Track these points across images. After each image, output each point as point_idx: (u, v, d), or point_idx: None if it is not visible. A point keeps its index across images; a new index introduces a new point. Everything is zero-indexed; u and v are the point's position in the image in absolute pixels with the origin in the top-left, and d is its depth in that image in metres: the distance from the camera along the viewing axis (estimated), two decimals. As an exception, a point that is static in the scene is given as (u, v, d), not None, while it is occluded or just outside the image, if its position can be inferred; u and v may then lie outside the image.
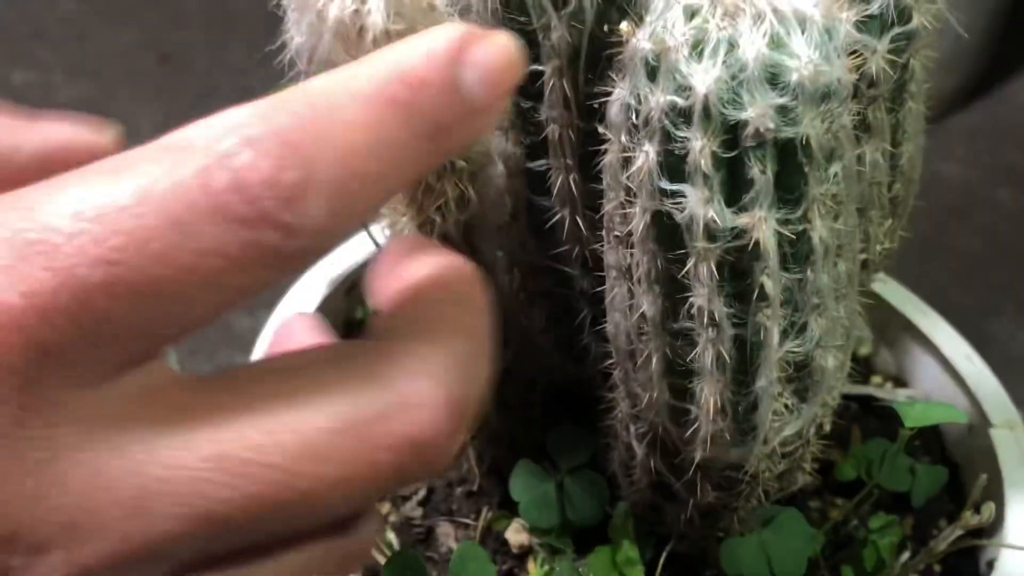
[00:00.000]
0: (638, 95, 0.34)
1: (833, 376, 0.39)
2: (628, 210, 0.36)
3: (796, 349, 0.37)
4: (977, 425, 0.57)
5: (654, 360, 0.38)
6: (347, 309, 0.62)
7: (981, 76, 1.14)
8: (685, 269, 0.35)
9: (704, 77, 0.32)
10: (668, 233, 0.35)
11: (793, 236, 0.34)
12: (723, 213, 0.34)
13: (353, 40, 0.34)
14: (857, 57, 0.34)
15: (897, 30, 0.39)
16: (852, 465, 0.56)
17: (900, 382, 0.62)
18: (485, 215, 0.41)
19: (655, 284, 0.37)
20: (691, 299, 0.36)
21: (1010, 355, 0.95)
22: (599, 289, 0.41)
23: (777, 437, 0.39)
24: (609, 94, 0.36)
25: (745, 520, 0.45)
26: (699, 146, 0.33)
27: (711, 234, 0.34)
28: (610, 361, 0.42)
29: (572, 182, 0.40)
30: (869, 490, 0.55)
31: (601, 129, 0.37)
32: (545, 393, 0.50)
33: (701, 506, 0.44)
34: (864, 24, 0.38)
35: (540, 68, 0.38)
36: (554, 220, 0.41)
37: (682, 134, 0.33)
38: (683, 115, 0.33)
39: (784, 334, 0.36)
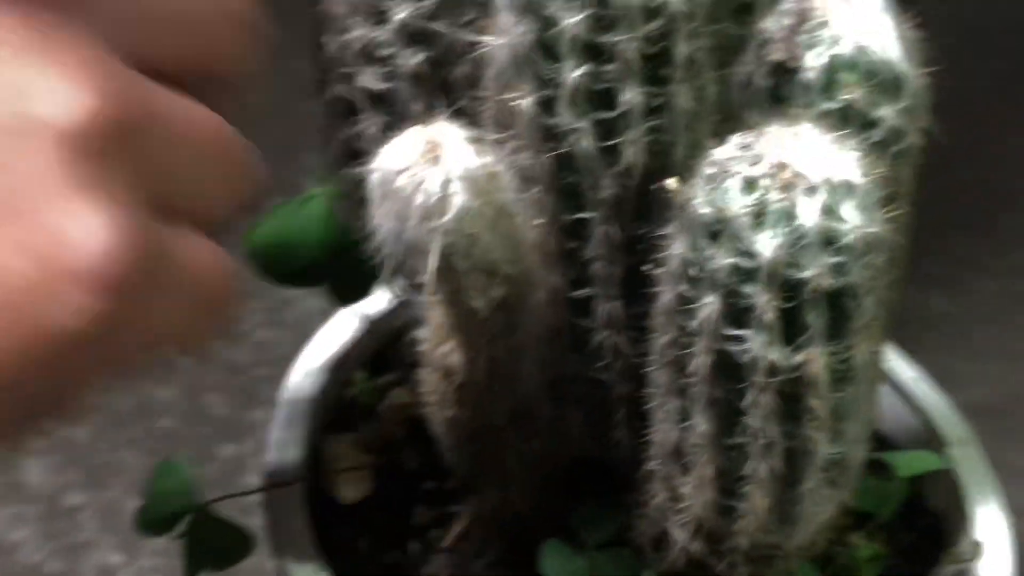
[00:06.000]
0: (698, 253, 0.37)
1: (860, 464, 0.44)
2: (688, 348, 0.40)
3: (836, 452, 0.41)
4: (931, 444, 0.63)
5: (707, 469, 0.42)
6: (337, 390, 0.64)
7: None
8: (744, 399, 0.39)
9: (767, 244, 0.36)
10: (728, 369, 0.39)
11: (840, 364, 0.39)
12: (784, 353, 0.38)
13: (436, 221, 0.36)
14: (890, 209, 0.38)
15: (894, 148, 0.43)
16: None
17: (852, 403, 0.68)
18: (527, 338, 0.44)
19: (711, 407, 0.40)
20: (747, 421, 0.40)
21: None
22: (637, 395, 0.45)
23: (815, 522, 0.44)
24: (653, 236, 0.40)
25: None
26: (764, 301, 0.37)
27: (772, 371, 0.38)
28: (654, 462, 0.45)
29: (616, 309, 0.43)
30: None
31: (647, 268, 0.41)
32: (566, 474, 0.53)
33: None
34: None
35: (587, 216, 0.41)
36: (595, 340, 0.44)
37: (747, 290, 0.37)
38: (747, 275, 0.37)
39: (829, 443, 0.41)
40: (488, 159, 0.37)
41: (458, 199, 0.35)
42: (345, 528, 0.59)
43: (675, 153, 0.40)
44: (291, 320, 0.91)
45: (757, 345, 0.38)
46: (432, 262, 0.36)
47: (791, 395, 0.39)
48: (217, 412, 0.87)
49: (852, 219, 0.36)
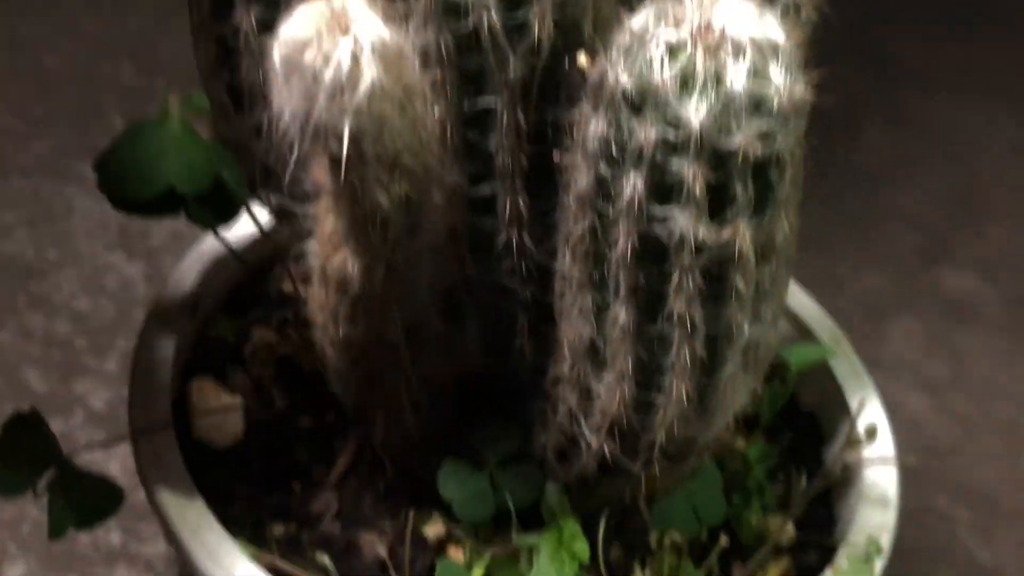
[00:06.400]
0: (619, 129, 0.36)
1: (774, 347, 0.43)
2: (607, 235, 0.38)
3: (755, 334, 0.41)
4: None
5: (626, 362, 0.41)
6: (198, 331, 0.60)
7: None
8: (669, 282, 0.38)
9: (697, 112, 0.34)
10: (652, 251, 0.37)
11: (764, 238, 0.38)
12: (710, 228, 0.36)
13: (347, 97, 0.33)
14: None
15: (794, 22, 0.42)
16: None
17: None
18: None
19: (632, 295, 0.39)
20: (670, 307, 0.39)
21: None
22: (542, 298, 0.43)
23: (731, 411, 0.43)
24: (562, 121, 0.38)
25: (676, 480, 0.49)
26: (692, 174, 0.35)
27: (698, 248, 0.37)
28: (563, 365, 0.44)
29: (521, 203, 0.41)
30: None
31: (556, 155, 0.39)
32: (458, 392, 0.51)
33: (648, 478, 0.47)
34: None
35: (490, 103, 0.39)
36: (496, 239, 0.42)
37: (673, 164, 0.35)
38: (674, 147, 0.35)
39: (749, 324, 0.40)
40: (395, 34, 0.34)
41: (370, 71, 0.33)
42: (221, 474, 0.56)
43: (584, 28, 0.38)
44: (110, 287, 0.86)
45: (684, 221, 0.36)
46: (344, 144, 0.33)
47: (716, 275, 0.38)
48: (37, 387, 0.81)
49: (780, 82, 0.35)
